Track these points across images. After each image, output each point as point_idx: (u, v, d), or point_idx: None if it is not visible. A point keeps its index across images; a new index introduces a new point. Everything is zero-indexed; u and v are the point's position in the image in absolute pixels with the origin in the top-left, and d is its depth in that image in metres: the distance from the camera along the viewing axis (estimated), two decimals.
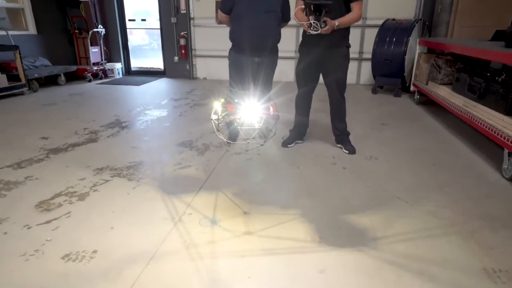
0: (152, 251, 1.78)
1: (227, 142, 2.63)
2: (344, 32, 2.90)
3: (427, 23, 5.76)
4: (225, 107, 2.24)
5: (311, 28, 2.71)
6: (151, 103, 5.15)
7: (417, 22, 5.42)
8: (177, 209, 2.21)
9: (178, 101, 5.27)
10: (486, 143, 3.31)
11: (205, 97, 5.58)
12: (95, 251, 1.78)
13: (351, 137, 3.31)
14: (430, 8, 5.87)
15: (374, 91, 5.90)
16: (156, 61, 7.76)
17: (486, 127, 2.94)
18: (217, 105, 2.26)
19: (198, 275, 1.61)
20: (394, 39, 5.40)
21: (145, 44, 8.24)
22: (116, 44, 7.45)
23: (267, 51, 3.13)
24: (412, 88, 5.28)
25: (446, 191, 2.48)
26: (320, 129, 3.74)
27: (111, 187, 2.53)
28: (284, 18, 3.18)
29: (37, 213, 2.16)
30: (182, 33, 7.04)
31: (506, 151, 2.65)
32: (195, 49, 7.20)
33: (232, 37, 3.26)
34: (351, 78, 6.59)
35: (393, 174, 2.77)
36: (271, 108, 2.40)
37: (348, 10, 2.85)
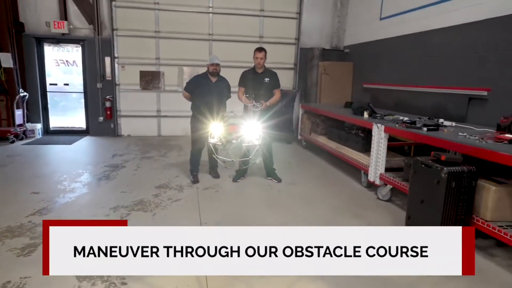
0: None
1: (224, 162, 3.02)
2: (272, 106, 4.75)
3: (303, 92, 8.31)
4: (227, 128, 2.65)
5: (254, 108, 4.44)
6: (102, 159, 5.94)
7: (297, 92, 7.86)
8: (198, 221, 3.48)
9: (124, 156, 6.20)
10: (352, 169, 5.48)
11: (144, 151, 6.63)
12: None
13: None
14: (304, 83, 8.46)
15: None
16: (70, 120, 8.27)
17: (351, 159, 5.10)
18: (213, 129, 2.58)
19: None
20: (284, 104, 7.65)
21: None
22: (36, 106, 7.77)
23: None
24: (299, 137, 7.51)
25: (334, 195, 4.42)
26: (253, 168, 5.38)
27: (138, 216, 3.60)
28: (227, 96, 4.88)
29: None
30: (108, 96, 7.94)
31: (362, 172, 4.79)
32: (119, 110, 8.14)
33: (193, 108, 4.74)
34: None
35: (306, 191, 4.60)
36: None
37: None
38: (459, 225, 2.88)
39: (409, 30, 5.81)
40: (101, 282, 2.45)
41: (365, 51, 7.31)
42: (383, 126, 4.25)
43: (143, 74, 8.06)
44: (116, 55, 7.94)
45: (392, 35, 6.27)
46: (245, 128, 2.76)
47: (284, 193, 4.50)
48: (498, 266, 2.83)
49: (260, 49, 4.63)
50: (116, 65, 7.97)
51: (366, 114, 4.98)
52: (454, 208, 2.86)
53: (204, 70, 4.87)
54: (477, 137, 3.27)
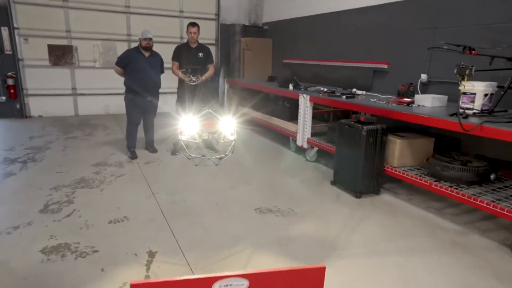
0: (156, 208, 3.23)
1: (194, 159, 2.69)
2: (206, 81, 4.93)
3: (226, 67, 8.55)
4: (203, 125, 2.33)
5: (191, 82, 4.58)
6: (18, 141, 5.39)
7: (221, 67, 8.07)
8: (150, 192, 3.60)
9: (44, 137, 5.72)
10: (279, 137, 6.03)
11: (66, 132, 6.19)
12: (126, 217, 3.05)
13: None
14: (226, 58, 8.68)
15: None
16: None
17: (279, 128, 5.64)
18: (183, 126, 2.35)
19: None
20: (209, 80, 7.80)
21: None
22: None
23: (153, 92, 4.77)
24: None
25: (268, 159, 4.92)
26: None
27: (84, 193, 3.55)
28: (161, 71, 4.90)
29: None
30: (10, 73, 7.04)
31: (291, 138, 5.37)
32: (26, 89, 7.29)
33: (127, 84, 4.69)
34: None
35: (244, 158, 4.99)
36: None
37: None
38: (375, 173, 3.61)
39: (323, 9, 6.47)
40: (71, 253, 2.49)
41: (283, 28, 7.84)
42: (308, 96, 4.82)
43: (52, 49, 7.31)
44: (15, 25, 7.01)
45: (308, 14, 6.88)
46: (222, 124, 2.56)
47: (224, 161, 4.80)
48: (402, 201, 3.64)
49: (193, 24, 4.74)
50: (17, 37, 7.06)
51: (291, 86, 5.51)
52: (372, 159, 3.55)
53: (122, 45, 4.77)
54: (384, 102, 4.03)
